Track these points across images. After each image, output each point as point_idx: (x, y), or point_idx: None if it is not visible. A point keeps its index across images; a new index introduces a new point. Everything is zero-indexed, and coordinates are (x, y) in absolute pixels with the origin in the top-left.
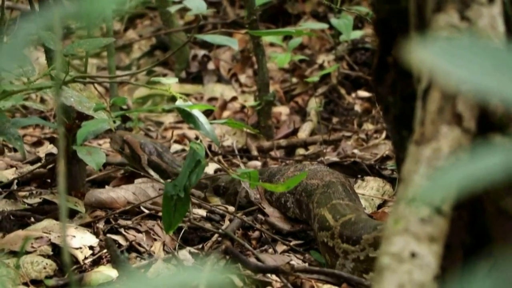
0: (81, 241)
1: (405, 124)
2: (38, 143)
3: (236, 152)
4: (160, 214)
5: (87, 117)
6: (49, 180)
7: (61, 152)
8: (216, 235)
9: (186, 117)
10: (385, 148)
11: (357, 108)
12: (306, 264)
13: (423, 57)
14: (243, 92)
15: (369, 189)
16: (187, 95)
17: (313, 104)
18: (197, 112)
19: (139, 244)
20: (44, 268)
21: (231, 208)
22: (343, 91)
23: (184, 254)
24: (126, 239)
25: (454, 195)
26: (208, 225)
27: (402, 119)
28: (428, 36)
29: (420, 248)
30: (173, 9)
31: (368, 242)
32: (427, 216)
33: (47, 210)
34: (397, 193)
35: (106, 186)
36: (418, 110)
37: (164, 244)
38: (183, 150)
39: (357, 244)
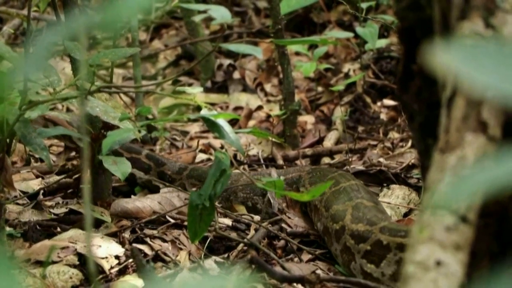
0: (107, 250)
1: (430, 132)
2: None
3: (262, 161)
4: (185, 223)
5: (113, 127)
6: (75, 190)
7: (86, 162)
8: (242, 244)
9: (211, 126)
10: (411, 156)
11: (383, 116)
12: (331, 274)
13: (447, 63)
14: (268, 101)
15: (395, 197)
16: (213, 104)
17: (339, 113)
18: (222, 122)
19: (165, 254)
20: (70, 277)
21: (257, 218)
22: (368, 99)
23: (210, 263)
24: (152, 249)
25: (479, 202)
26: (233, 235)
27: (427, 127)
28: (453, 43)
29: (446, 256)
30: (198, 18)
31: None
32: (452, 224)
33: (73, 220)
34: (422, 201)
35: (132, 196)
36: (443, 117)
37: (189, 254)
38: (209, 159)
39: None
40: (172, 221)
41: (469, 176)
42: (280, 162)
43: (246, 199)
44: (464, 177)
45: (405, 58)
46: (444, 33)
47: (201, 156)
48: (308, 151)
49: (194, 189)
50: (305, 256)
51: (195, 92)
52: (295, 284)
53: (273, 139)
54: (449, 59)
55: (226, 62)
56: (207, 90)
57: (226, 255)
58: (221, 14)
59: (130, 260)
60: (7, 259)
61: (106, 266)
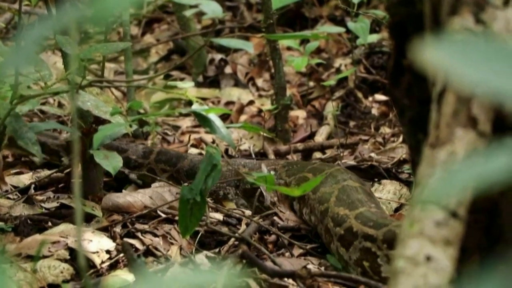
0: (98, 245)
1: (420, 127)
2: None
3: (253, 156)
4: (177, 218)
5: (104, 122)
6: (66, 185)
7: (76, 156)
8: (233, 239)
9: (202, 121)
10: (402, 151)
11: (374, 111)
12: (323, 268)
13: (436, 58)
14: (260, 96)
15: (386, 192)
16: (204, 99)
17: (330, 108)
18: (213, 116)
19: (156, 248)
20: (61, 272)
21: (248, 212)
22: (360, 94)
23: (201, 258)
24: (143, 243)
25: (470, 198)
26: (224, 229)
27: (418, 122)
28: (443, 38)
29: (436, 252)
30: (188, 13)
31: None
32: (442, 219)
33: (64, 214)
34: (412, 196)
35: (123, 190)
36: (433, 113)
37: (181, 248)
38: (200, 154)
39: None
40: (163, 215)
41: (459, 171)
42: (272, 156)
43: (218, 188)
44: (454, 172)
45: (396, 53)
46: (434, 29)
47: (193, 151)
48: (300, 146)
49: (185, 184)
50: (296, 251)
51: (187, 87)
52: (286, 279)
53: (265, 134)
54: (439, 55)
55: (218, 56)
56: (198, 85)
57: (217, 250)
58: (212, 9)
59: (121, 254)
60: None
61: (97, 260)
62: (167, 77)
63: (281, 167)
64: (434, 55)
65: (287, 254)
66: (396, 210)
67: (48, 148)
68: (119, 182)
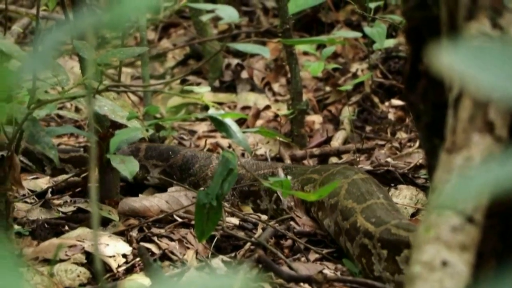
0: (114, 249)
1: (436, 132)
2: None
3: (269, 160)
4: (193, 222)
5: (121, 126)
6: (83, 189)
7: (93, 160)
8: (249, 243)
9: (218, 125)
10: (418, 156)
11: (391, 116)
12: (339, 273)
13: (453, 63)
14: (276, 101)
15: (402, 197)
16: (221, 103)
17: (347, 113)
18: (229, 121)
19: (172, 253)
20: (78, 276)
21: (264, 217)
22: (376, 99)
23: (217, 262)
24: (159, 248)
25: (486, 203)
26: (241, 234)
27: (434, 127)
28: (459, 43)
29: (452, 257)
30: (205, 17)
31: None
32: (458, 224)
33: (81, 218)
34: (429, 201)
35: (140, 195)
36: (450, 118)
37: (197, 253)
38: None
39: None
40: (180, 220)
41: (475, 176)
42: (288, 161)
43: None
44: (470, 177)
45: (412, 58)
46: (451, 33)
47: None
48: (316, 151)
49: (201, 188)
50: (312, 256)
51: (202, 91)
52: (302, 284)
53: (280, 139)
54: (455, 60)
55: (234, 61)
56: (215, 90)
57: (233, 254)
58: (228, 14)
59: (138, 259)
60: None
61: (113, 264)
62: (184, 81)
63: (281, 169)
64: (450, 60)
65: (303, 259)
66: (413, 215)
67: (34, 157)
68: (134, 187)
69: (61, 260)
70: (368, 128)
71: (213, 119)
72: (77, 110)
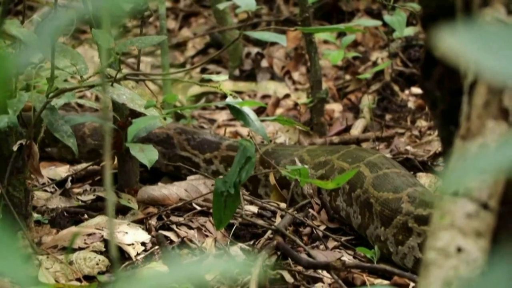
0: (133, 237)
1: (452, 120)
2: None
3: None
4: (211, 210)
5: (140, 115)
6: (102, 178)
7: (108, 148)
8: (268, 232)
9: (236, 114)
10: (438, 144)
11: (411, 105)
12: (357, 260)
13: (466, 49)
14: (296, 89)
15: None
16: (240, 92)
17: (366, 101)
18: (247, 109)
19: (191, 241)
20: (97, 264)
21: (283, 205)
22: (396, 88)
23: (236, 250)
24: (178, 235)
25: (500, 189)
26: (259, 222)
27: (450, 114)
28: (474, 30)
29: (467, 243)
30: (222, 5)
31: None
32: (473, 211)
33: (100, 207)
34: (442, 188)
35: (159, 183)
36: (464, 105)
37: (215, 241)
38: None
39: None
40: (198, 208)
41: (483, 158)
42: None
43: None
44: (477, 158)
45: (428, 45)
46: (466, 20)
47: None
48: (335, 139)
49: (220, 176)
50: (331, 243)
51: (221, 80)
52: (320, 271)
53: (299, 127)
54: (470, 46)
55: (254, 50)
56: (235, 78)
57: (252, 242)
58: (245, 2)
59: (156, 247)
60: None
61: (132, 252)
62: (204, 70)
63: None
64: (465, 46)
65: (321, 246)
66: None
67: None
68: (153, 175)
69: (80, 248)
70: (388, 117)
71: (231, 108)
72: (97, 99)
